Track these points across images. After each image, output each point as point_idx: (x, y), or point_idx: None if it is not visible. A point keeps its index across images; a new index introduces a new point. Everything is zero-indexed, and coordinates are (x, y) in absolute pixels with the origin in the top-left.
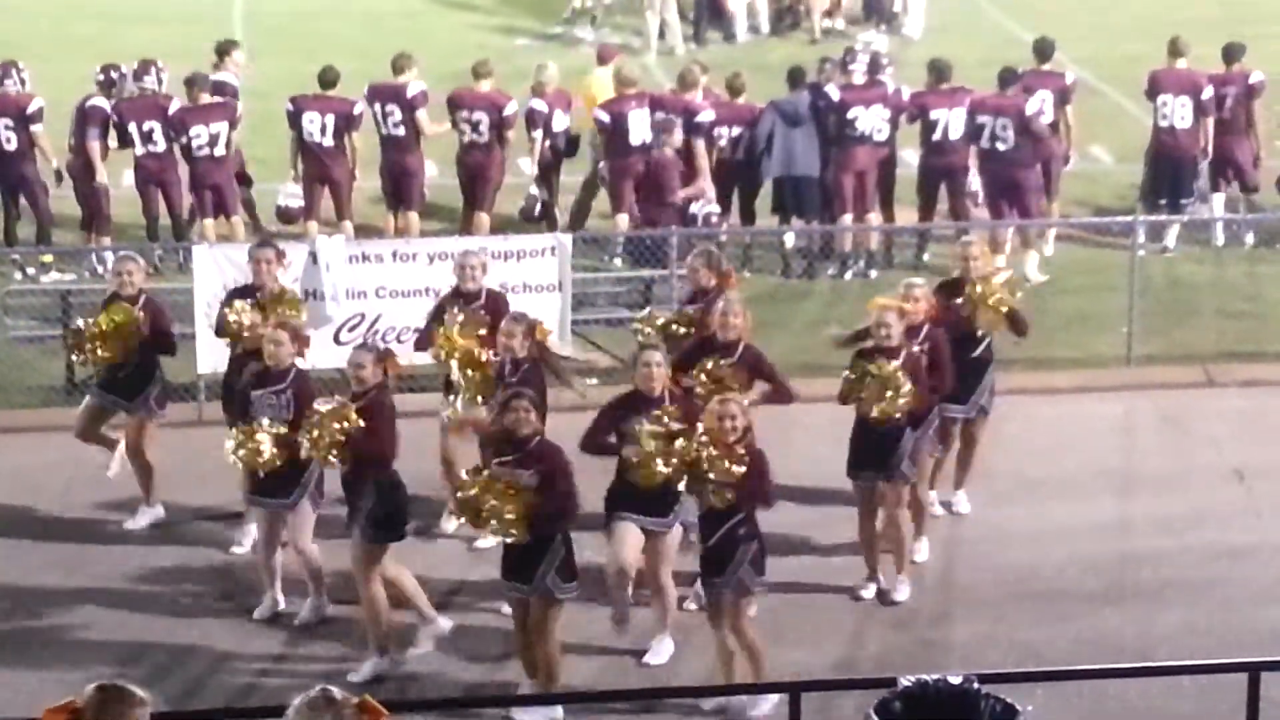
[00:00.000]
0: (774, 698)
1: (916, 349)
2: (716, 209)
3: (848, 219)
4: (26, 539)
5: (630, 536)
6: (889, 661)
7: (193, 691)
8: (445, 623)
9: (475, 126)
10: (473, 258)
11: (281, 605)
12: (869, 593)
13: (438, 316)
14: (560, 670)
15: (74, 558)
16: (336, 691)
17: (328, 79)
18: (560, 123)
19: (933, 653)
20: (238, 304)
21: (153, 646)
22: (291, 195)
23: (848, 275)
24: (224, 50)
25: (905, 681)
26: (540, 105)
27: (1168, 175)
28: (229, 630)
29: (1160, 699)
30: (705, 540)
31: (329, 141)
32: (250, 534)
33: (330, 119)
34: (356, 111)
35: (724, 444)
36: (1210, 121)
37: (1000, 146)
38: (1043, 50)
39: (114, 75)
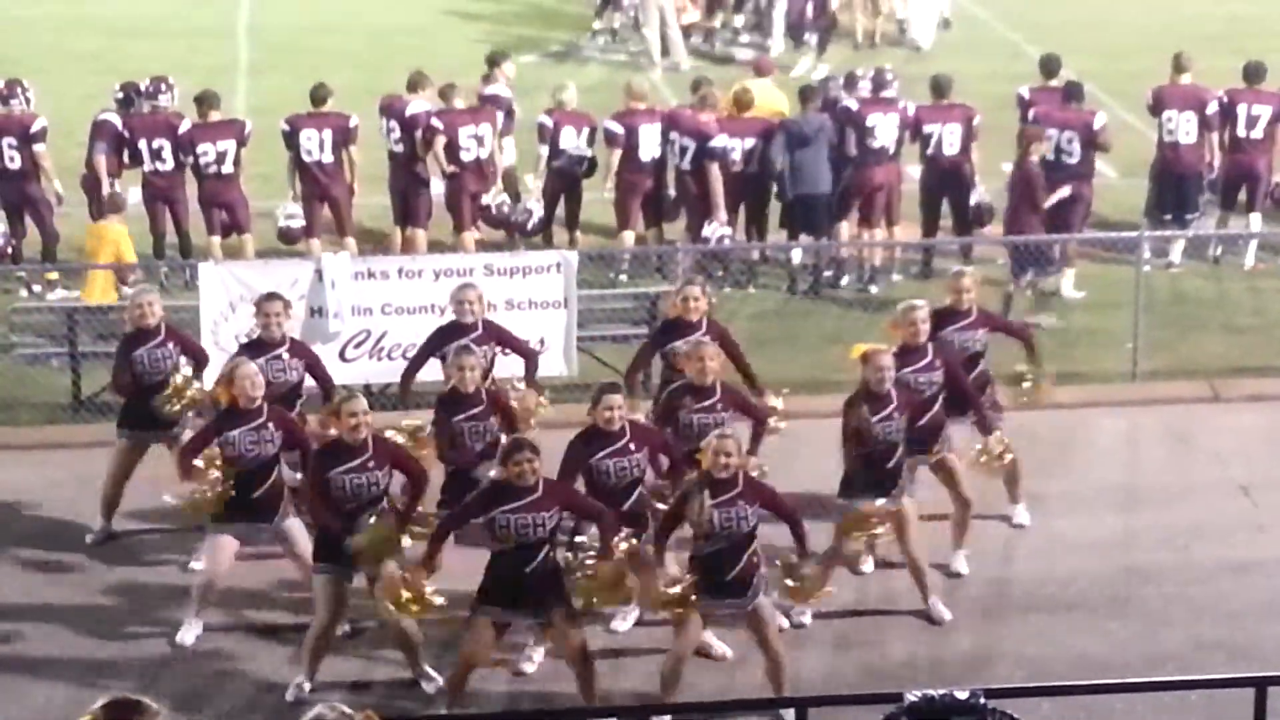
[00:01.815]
0: None
1: (924, 376)
2: (729, 231)
3: (844, 230)
4: (31, 555)
5: None
6: (894, 675)
7: (203, 708)
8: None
9: (481, 141)
10: (470, 291)
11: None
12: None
13: (432, 351)
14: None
15: (78, 574)
16: (344, 707)
17: (319, 96)
18: (569, 141)
19: (939, 667)
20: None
21: (163, 662)
22: (291, 215)
23: (843, 281)
24: (495, 60)
25: (912, 696)
26: (546, 120)
27: (1173, 191)
28: (240, 645)
29: (1167, 714)
30: (728, 570)
31: (328, 158)
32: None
33: (328, 135)
34: (352, 125)
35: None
36: (1215, 136)
37: (1067, 160)
38: (1049, 67)
39: (133, 94)
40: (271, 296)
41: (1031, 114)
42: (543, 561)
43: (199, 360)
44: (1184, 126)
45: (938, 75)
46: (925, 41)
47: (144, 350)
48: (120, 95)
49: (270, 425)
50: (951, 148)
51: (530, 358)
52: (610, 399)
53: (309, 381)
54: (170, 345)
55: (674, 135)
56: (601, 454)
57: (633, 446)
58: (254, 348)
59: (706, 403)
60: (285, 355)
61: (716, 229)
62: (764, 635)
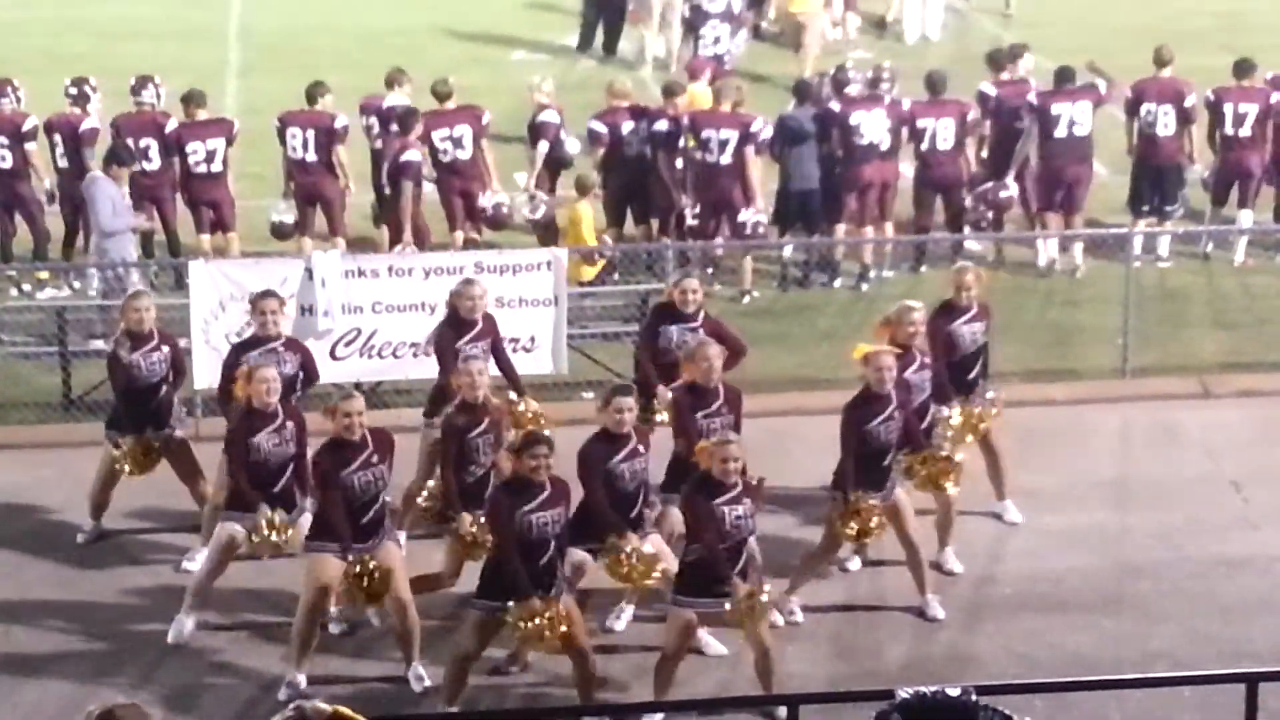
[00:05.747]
0: None
1: (921, 374)
2: (764, 218)
3: (840, 231)
4: (22, 555)
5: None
6: (886, 673)
7: (196, 708)
8: None
9: (459, 142)
10: (475, 288)
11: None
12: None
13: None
14: None
15: (70, 574)
16: (308, 707)
17: (312, 94)
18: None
19: (930, 664)
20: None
21: (155, 662)
22: (285, 211)
23: (836, 282)
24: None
25: (903, 694)
26: (553, 117)
27: (1152, 183)
28: (231, 646)
29: (1159, 710)
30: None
31: (312, 156)
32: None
33: (312, 134)
34: (339, 125)
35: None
36: (1195, 129)
37: (1078, 132)
38: (997, 60)
39: (86, 90)
40: (268, 294)
41: (956, 112)
42: (553, 554)
43: (178, 369)
44: (1162, 119)
45: (932, 72)
46: (934, 33)
47: (139, 355)
48: (74, 91)
49: (289, 424)
50: (945, 143)
51: (512, 373)
52: (621, 401)
53: None
54: (165, 349)
55: (708, 132)
56: (616, 459)
57: (641, 449)
58: (250, 344)
59: (712, 407)
60: (281, 350)
61: (754, 214)
62: (757, 628)
